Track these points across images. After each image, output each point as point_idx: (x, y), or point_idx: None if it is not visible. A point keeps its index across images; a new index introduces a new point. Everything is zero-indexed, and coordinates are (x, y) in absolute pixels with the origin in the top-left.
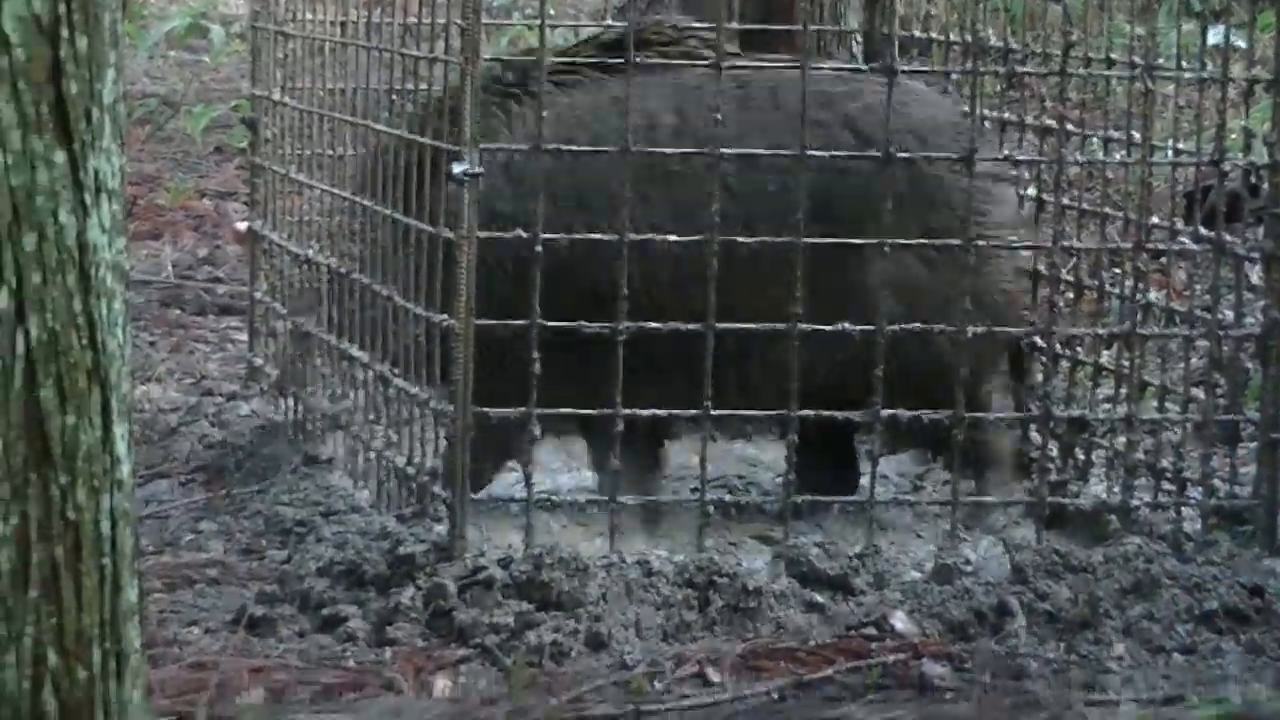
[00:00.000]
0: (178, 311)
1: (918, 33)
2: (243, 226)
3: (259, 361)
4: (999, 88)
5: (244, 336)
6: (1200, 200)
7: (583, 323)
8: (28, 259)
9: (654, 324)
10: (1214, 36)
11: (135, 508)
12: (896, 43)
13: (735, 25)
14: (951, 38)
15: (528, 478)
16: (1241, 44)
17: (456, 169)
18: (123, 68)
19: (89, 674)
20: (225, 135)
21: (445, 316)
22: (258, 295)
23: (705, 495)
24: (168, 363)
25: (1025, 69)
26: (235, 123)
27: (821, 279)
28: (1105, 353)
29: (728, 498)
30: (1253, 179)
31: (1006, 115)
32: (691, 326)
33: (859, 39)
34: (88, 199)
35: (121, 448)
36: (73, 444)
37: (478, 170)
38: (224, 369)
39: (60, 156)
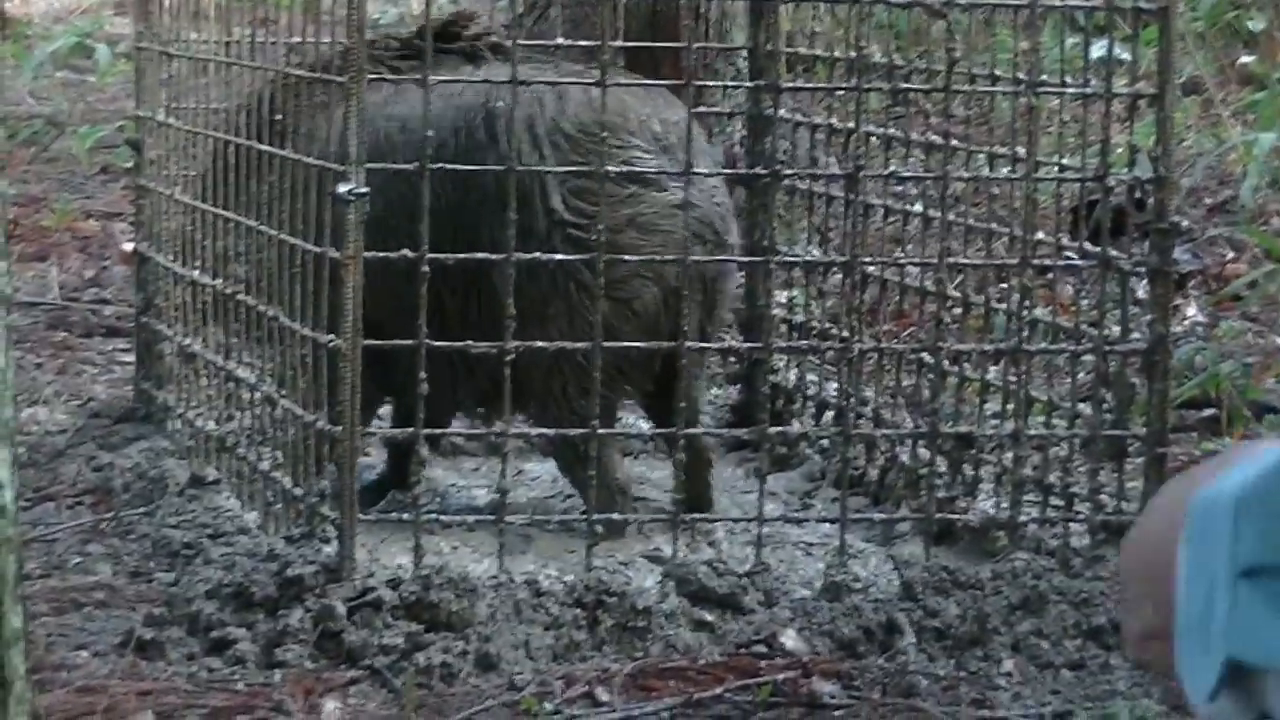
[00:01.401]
0: (64, 333)
1: (803, 49)
2: (128, 248)
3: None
4: (884, 104)
5: (131, 358)
6: (1086, 216)
7: (470, 342)
8: None
9: (540, 343)
10: (1098, 51)
11: (19, 533)
12: (782, 59)
13: (620, 42)
14: (837, 54)
15: (415, 499)
16: (1126, 58)
17: (342, 188)
18: (0, 89)
19: None
20: (111, 156)
21: (332, 337)
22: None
23: (593, 514)
24: (54, 385)
25: (910, 85)
26: (121, 143)
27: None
28: (992, 368)
29: (616, 516)
30: (1138, 194)
31: (892, 131)
32: (579, 345)
33: (745, 55)
34: None
35: (4, 473)
36: None
37: (363, 190)
38: (111, 391)
39: None
